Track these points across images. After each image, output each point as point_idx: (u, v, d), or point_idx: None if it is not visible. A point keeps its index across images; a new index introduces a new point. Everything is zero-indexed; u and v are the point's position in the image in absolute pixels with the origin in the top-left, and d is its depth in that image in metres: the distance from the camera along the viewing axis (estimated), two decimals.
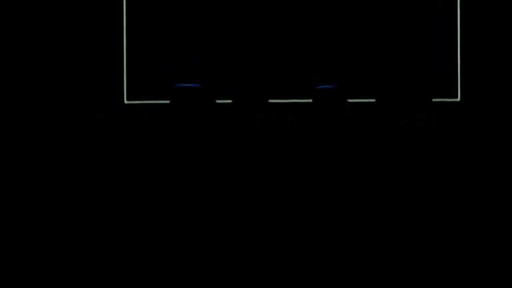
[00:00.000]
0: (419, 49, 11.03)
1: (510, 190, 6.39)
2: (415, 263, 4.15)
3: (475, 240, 4.74)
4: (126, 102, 11.38)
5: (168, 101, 11.11)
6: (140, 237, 4.92)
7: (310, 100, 9.97)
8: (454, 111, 10.85)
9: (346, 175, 7.07)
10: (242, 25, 11.38)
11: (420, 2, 11.15)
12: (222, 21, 11.45)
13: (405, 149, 8.27)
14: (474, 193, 6.39)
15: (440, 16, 11.10)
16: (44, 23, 11.41)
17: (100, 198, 6.26)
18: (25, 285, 3.77)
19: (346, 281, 3.78)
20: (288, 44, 11.37)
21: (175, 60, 11.45)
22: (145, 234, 5.00)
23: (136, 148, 8.75)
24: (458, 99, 11.03)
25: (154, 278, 3.94)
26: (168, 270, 4.12)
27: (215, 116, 9.38)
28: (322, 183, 6.77)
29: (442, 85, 11.03)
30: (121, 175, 7.35)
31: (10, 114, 11.21)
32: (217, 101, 10.45)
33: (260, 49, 11.40)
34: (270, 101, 10.94)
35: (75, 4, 11.40)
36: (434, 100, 10.57)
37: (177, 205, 5.98)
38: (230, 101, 10.42)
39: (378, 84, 11.13)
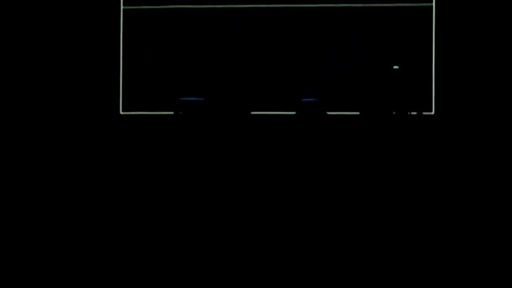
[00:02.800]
0: (397, 66, 11.51)
1: (481, 194, 6.78)
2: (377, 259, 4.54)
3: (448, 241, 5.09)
4: (121, 113, 11.92)
5: (159, 113, 11.52)
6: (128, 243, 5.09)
7: (294, 112, 10.48)
8: (429, 123, 11.30)
9: (328, 181, 7.43)
10: (232, 44, 11.82)
11: (396, 22, 11.65)
12: (212, 39, 11.88)
13: (384, 157, 8.67)
14: (447, 198, 6.75)
15: (417, 35, 11.61)
16: (41, 34, 11.80)
17: (95, 203, 6.51)
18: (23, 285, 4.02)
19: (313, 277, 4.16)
20: (278, 61, 11.81)
21: (166, 74, 11.86)
22: (134, 240, 5.15)
23: (134, 156, 9.08)
24: (433, 112, 11.56)
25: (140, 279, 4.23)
26: (152, 274, 4.38)
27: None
28: (305, 189, 7.11)
29: (418, 99, 11.51)
30: (117, 179, 7.63)
31: (10, 120, 11.49)
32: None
33: (249, 67, 11.82)
34: (256, 113, 11.41)
35: (70, 16, 11.79)
36: (410, 113, 11.03)
37: (169, 207, 6.27)
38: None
39: (360, 98, 11.60)
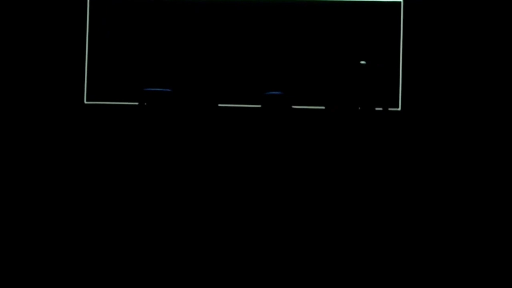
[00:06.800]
0: (364, 62, 11.58)
1: (444, 190, 6.84)
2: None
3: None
4: (86, 102, 11.80)
5: (123, 103, 11.51)
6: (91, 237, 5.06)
7: (259, 106, 10.52)
8: (395, 119, 11.40)
9: (291, 173, 7.46)
10: (196, 36, 11.82)
11: (364, 18, 11.72)
12: (179, 30, 11.87)
13: (349, 152, 8.73)
14: (412, 193, 6.80)
15: (384, 30, 11.68)
16: (4, 22, 11.73)
17: (56, 192, 6.46)
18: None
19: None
20: (245, 55, 11.83)
21: (132, 64, 11.85)
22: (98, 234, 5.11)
23: (100, 146, 9.07)
24: (399, 108, 11.62)
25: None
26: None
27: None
28: (268, 180, 7.16)
29: (385, 95, 11.59)
30: (82, 170, 7.61)
31: None
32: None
33: (216, 59, 11.84)
34: (222, 105, 11.41)
35: (35, 3, 11.73)
36: (376, 109, 11.11)
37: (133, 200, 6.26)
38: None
39: (325, 93, 11.66)
